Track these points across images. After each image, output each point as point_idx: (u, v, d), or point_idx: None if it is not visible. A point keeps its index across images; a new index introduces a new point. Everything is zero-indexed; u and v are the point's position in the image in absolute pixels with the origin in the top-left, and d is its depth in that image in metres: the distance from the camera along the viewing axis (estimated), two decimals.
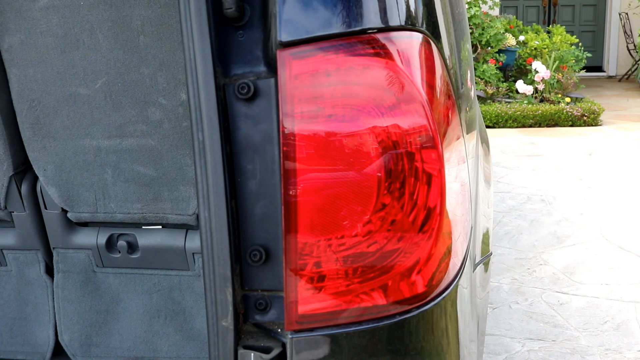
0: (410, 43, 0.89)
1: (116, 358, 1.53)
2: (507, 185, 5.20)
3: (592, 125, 7.54)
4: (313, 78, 0.85)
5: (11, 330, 1.58)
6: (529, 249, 3.88)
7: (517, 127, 7.50)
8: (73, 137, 1.35)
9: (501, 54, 8.36)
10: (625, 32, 11.13)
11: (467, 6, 8.10)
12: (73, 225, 1.47)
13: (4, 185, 1.43)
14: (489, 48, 8.24)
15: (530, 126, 7.50)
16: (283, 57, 0.85)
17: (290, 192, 0.86)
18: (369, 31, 0.86)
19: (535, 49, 8.46)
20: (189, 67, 0.87)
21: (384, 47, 0.86)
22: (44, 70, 1.31)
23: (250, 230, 0.92)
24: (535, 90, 7.92)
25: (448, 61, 1.02)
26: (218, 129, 0.87)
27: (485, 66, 8.01)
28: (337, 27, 0.84)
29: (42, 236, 1.50)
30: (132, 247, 1.45)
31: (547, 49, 8.33)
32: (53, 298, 1.54)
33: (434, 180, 0.89)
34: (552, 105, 7.66)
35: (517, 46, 8.58)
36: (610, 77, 12.07)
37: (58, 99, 1.32)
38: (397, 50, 0.87)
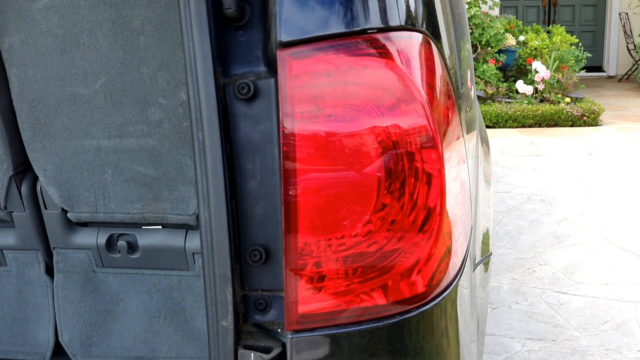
0: (410, 43, 0.89)
1: (116, 358, 1.53)
2: (507, 185, 5.20)
3: (592, 125, 7.54)
4: (313, 78, 0.85)
5: (11, 330, 1.58)
6: (529, 249, 3.88)
7: (517, 127, 7.50)
8: (73, 137, 1.35)
9: (501, 54, 8.36)
10: (625, 32, 11.13)
11: (467, 6, 8.10)
12: (73, 225, 1.47)
13: (4, 185, 1.43)
14: (489, 48, 8.24)
15: (530, 126, 7.50)
16: (283, 57, 0.85)
17: (290, 192, 0.86)
18: (369, 31, 0.86)
19: (535, 49, 8.46)
20: (189, 67, 0.87)
21: (384, 47, 0.86)
22: (44, 70, 1.31)
23: (250, 230, 0.92)
24: (535, 90, 7.93)
25: (448, 61, 1.02)
26: (218, 129, 0.87)
27: (485, 66, 8.01)
28: (337, 27, 0.85)
29: (42, 236, 1.50)
30: (132, 247, 1.45)
31: (547, 49, 8.33)
32: (53, 298, 1.54)
33: (434, 180, 0.89)
34: (552, 105, 7.66)
35: (517, 46, 8.58)
36: (610, 77, 12.07)
37: (58, 99, 1.32)
38: (397, 50, 0.87)
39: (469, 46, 1.46)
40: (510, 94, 8.13)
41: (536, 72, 7.81)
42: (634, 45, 11.03)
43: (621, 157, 6.05)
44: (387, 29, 0.87)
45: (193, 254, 1.42)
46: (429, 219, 0.89)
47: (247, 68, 0.89)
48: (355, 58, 0.85)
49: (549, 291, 3.31)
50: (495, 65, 8.15)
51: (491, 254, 1.55)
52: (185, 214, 1.37)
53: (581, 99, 8.00)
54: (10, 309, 1.57)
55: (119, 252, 1.47)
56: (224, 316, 0.92)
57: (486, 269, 1.45)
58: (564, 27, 9.03)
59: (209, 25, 0.86)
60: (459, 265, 1.00)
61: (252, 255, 0.92)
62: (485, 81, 8.02)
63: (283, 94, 0.85)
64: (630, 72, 11.35)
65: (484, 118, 7.36)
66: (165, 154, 1.32)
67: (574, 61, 8.30)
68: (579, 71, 8.53)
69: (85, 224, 1.48)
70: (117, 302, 1.52)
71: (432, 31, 0.94)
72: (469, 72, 1.37)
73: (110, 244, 1.47)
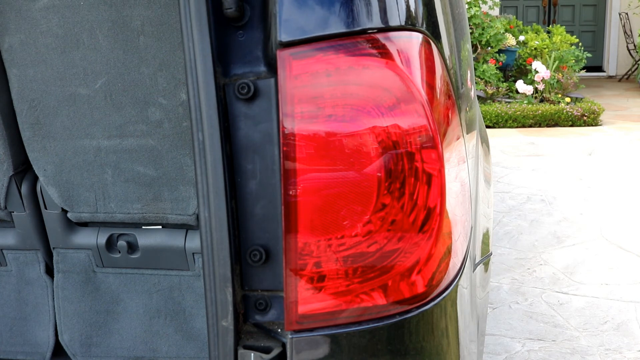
0: (410, 43, 0.89)
1: (116, 358, 1.53)
2: (507, 185, 5.20)
3: (592, 125, 7.54)
4: (313, 78, 0.85)
5: (11, 330, 1.58)
6: (529, 249, 3.87)
7: (517, 127, 7.50)
8: (73, 137, 1.35)
9: (501, 54, 8.35)
10: (625, 32, 11.13)
11: (467, 6, 8.10)
12: (73, 225, 1.47)
13: (4, 185, 1.43)
14: (489, 48, 8.24)
15: (530, 126, 7.50)
16: (283, 57, 0.85)
17: (290, 192, 0.86)
18: (369, 31, 0.86)
19: (535, 49, 8.46)
20: (189, 67, 0.87)
21: (384, 47, 0.86)
22: (44, 70, 1.31)
23: (250, 230, 0.92)
24: (535, 90, 7.92)
25: (448, 61, 1.02)
26: (218, 129, 0.87)
27: (485, 66, 8.01)
28: (337, 27, 0.85)
29: (42, 236, 1.50)
30: (132, 247, 1.45)
31: (547, 49, 8.33)
32: (53, 298, 1.54)
33: (434, 180, 0.89)
34: (552, 105, 7.66)
35: (517, 46, 8.58)
36: (610, 77, 12.07)
37: (58, 99, 1.32)
38: (397, 50, 0.87)
39: (469, 46, 1.46)
40: (510, 94, 8.13)
41: (536, 72, 7.81)
42: (634, 45, 11.03)
43: (621, 157, 6.05)
44: (387, 29, 0.87)
45: (193, 254, 1.42)
46: (429, 219, 0.89)
47: (247, 68, 0.89)
48: (355, 58, 0.85)
49: (549, 291, 3.31)
50: (495, 65, 8.15)
51: (491, 254, 1.55)
52: (185, 214, 1.37)
53: (581, 99, 8.00)
54: (10, 309, 1.57)
55: (119, 252, 1.47)
56: (224, 316, 0.92)
57: (486, 269, 1.45)
58: (564, 27, 9.03)
59: (209, 25, 0.86)
60: (459, 265, 1.00)
61: (252, 255, 0.92)
62: (485, 81, 8.02)
63: (283, 94, 0.85)
64: (630, 72, 11.35)
65: (484, 118, 7.36)
66: (165, 154, 1.32)
67: (574, 61, 8.30)
68: (579, 71, 8.53)
69: (85, 224, 1.48)
70: (117, 302, 1.52)
71: (432, 31, 0.94)
72: (469, 72, 1.37)
73: (110, 244, 1.47)
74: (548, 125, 7.52)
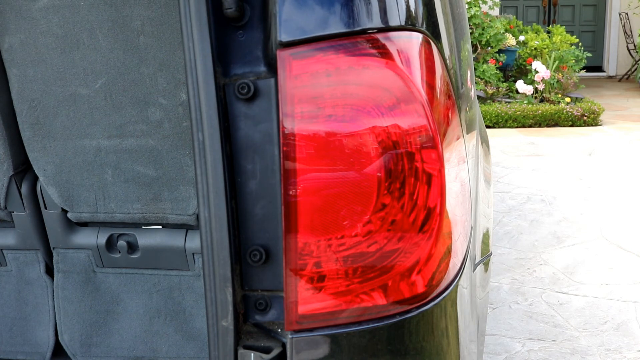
0: (410, 43, 0.89)
1: (116, 358, 1.53)
2: (507, 185, 5.20)
3: (592, 125, 7.54)
4: (313, 78, 0.85)
5: (11, 330, 1.58)
6: (529, 249, 3.87)
7: (517, 127, 7.50)
8: (73, 137, 1.35)
9: (501, 54, 8.36)
10: (625, 32, 11.13)
11: (467, 6, 8.10)
12: (73, 225, 1.47)
13: (4, 185, 1.43)
14: (489, 48, 8.24)
15: (530, 126, 7.50)
16: (283, 57, 0.85)
17: (290, 192, 0.86)
18: (369, 31, 0.86)
19: (535, 49, 8.47)
20: (189, 67, 0.87)
21: (384, 47, 0.86)
22: (44, 70, 1.31)
23: (250, 230, 0.92)
24: (535, 90, 7.93)
25: (448, 61, 1.02)
26: (218, 129, 0.87)
27: (485, 66, 8.01)
28: (337, 27, 0.85)
29: (42, 236, 1.50)
30: (132, 247, 1.45)
31: (547, 49, 8.33)
32: (53, 298, 1.54)
33: (434, 180, 0.89)
34: (552, 105, 7.66)
35: (517, 46, 8.58)
36: (610, 77, 12.07)
37: (58, 99, 1.32)
38: (397, 50, 0.87)
39: (469, 46, 1.46)
40: (510, 94, 8.13)
41: (536, 72, 7.81)
42: (634, 45, 11.03)
43: (621, 157, 6.05)
44: (387, 29, 0.87)
45: (193, 254, 1.42)
46: (429, 219, 0.89)
47: (247, 68, 0.89)
48: (355, 58, 0.85)
49: (549, 291, 3.31)
50: (495, 65, 8.15)
51: (491, 254, 1.55)
52: (185, 214, 1.37)
53: (581, 99, 8.00)
54: (10, 309, 1.57)
55: (119, 252, 1.47)
56: (224, 316, 0.92)
57: (486, 269, 1.45)
58: (564, 27, 9.03)
59: (209, 25, 0.86)
60: (459, 265, 1.00)
61: (252, 255, 0.92)
62: (485, 81, 8.02)
63: (283, 94, 0.85)
64: (630, 72, 11.35)
65: (484, 118, 7.36)
66: (165, 154, 1.32)
67: (574, 61, 8.31)
68: (579, 71, 8.53)
69: (85, 224, 1.48)
70: (117, 302, 1.52)
71: (432, 31, 0.94)
72: (469, 72, 1.37)
73: (110, 244, 1.47)
74: (548, 125, 7.53)
